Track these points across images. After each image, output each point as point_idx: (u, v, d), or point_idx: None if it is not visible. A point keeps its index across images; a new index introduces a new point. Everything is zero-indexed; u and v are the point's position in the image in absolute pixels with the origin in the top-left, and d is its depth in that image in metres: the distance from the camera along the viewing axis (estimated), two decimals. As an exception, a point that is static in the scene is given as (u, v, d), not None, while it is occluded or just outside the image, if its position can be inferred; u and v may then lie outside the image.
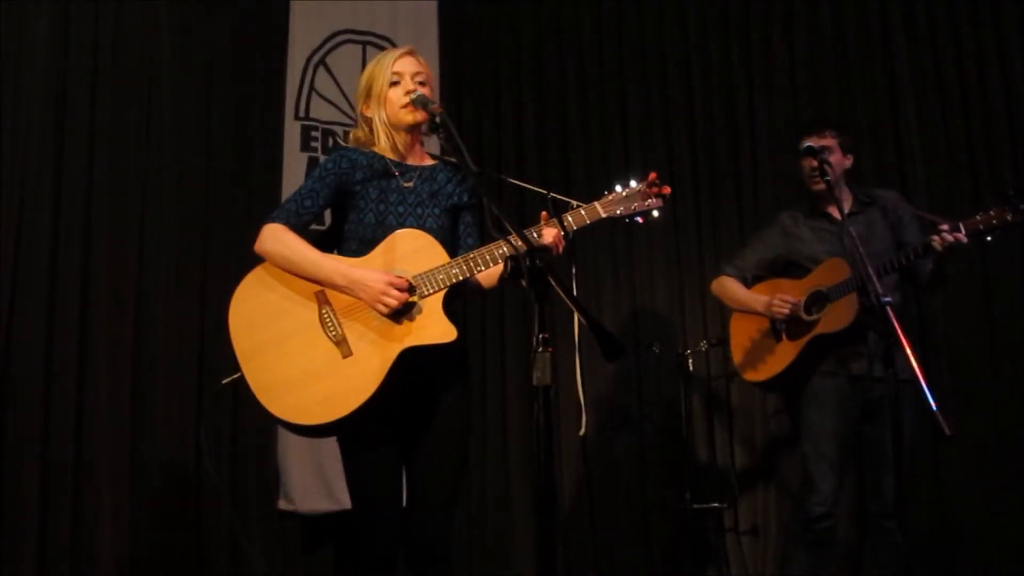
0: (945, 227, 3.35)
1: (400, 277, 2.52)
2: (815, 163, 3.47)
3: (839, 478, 3.49)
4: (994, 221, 3.32)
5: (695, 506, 4.39)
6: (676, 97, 4.99)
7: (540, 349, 2.05)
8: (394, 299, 2.47)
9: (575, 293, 2.25)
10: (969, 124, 4.79)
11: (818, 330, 3.51)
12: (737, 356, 3.76)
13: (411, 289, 2.52)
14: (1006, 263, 4.62)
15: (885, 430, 3.42)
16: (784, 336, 3.60)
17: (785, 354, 3.59)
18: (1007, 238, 4.10)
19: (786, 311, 3.54)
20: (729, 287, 3.78)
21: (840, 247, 3.54)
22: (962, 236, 3.31)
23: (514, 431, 4.67)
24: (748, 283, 3.76)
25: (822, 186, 3.49)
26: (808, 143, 3.51)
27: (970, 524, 4.41)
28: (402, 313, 2.52)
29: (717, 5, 5.05)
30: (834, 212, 3.64)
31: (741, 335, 3.75)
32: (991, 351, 4.61)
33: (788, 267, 3.71)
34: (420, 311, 2.52)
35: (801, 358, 3.54)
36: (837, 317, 3.47)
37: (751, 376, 3.71)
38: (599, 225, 4.72)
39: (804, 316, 3.54)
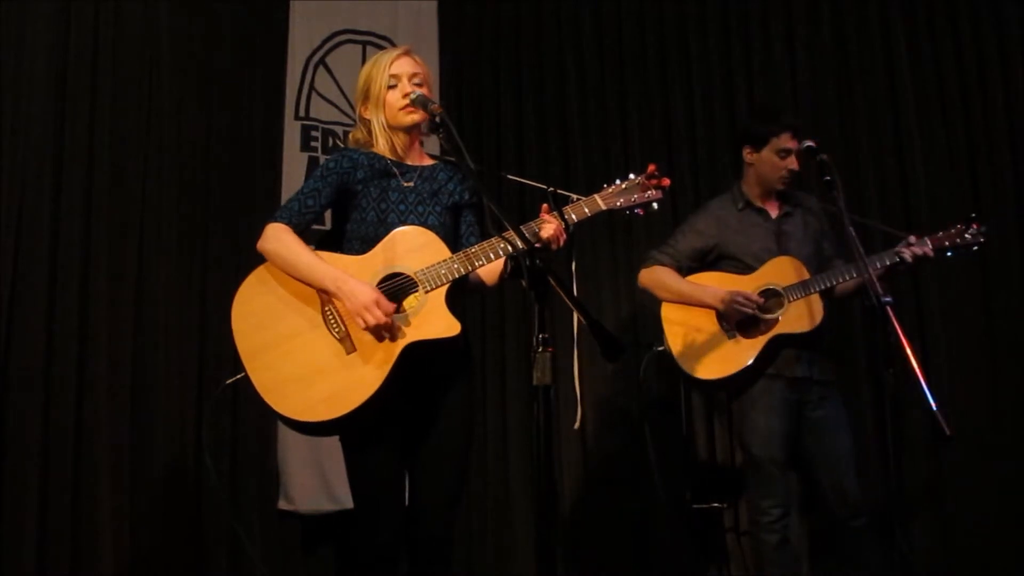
0: (913, 240, 3.42)
1: (396, 277, 2.53)
2: (796, 163, 3.52)
3: (789, 477, 3.50)
4: (957, 240, 3.45)
5: (695, 506, 4.38)
6: (676, 97, 4.99)
7: (540, 349, 2.06)
8: (373, 318, 2.45)
9: (575, 291, 2.25)
10: (969, 125, 4.78)
11: (778, 330, 3.43)
12: (679, 351, 3.51)
13: (407, 289, 2.52)
14: (1006, 263, 4.62)
15: (836, 433, 3.46)
16: (736, 334, 3.48)
17: (743, 353, 3.44)
18: (1006, 239, 4.12)
19: (750, 310, 3.42)
20: (666, 277, 3.60)
21: (775, 245, 3.54)
22: (929, 250, 3.41)
23: (514, 431, 4.67)
24: (683, 273, 3.63)
25: (784, 186, 3.58)
26: (809, 144, 3.49)
27: (970, 525, 4.41)
28: (404, 310, 2.52)
29: (717, 5, 5.04)
30: (770, 208, 3.64)
31: (680, 328, 3.55)
32: (991, 351, 4.60)
33: (720, 260, 3.62)
34: (423, 306, 2.52)
35: (760, 358, 3.43)
36: (800, 318, 3.42)
37: (703, 374, 3.48)
38: (598, 225, 4.78)
39: (761, 315, 3.44)
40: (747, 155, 3.65)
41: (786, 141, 3.55)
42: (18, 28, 4.06)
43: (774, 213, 3.64)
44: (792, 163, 3.56)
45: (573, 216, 2.57)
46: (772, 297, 3.47)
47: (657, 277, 3.64)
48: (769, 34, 4.98)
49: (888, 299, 2.88)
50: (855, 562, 3.48)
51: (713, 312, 3.52)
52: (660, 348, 4.39)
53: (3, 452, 3.82)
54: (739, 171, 3.76)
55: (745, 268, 3.55)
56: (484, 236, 2.65)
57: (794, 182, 3.64)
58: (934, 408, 2.70)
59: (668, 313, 3.60)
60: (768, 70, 4.96)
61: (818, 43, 4.95)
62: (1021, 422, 4.48)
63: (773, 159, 3.58)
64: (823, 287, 3.43)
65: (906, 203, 4.75)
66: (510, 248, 2.50)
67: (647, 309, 4.79)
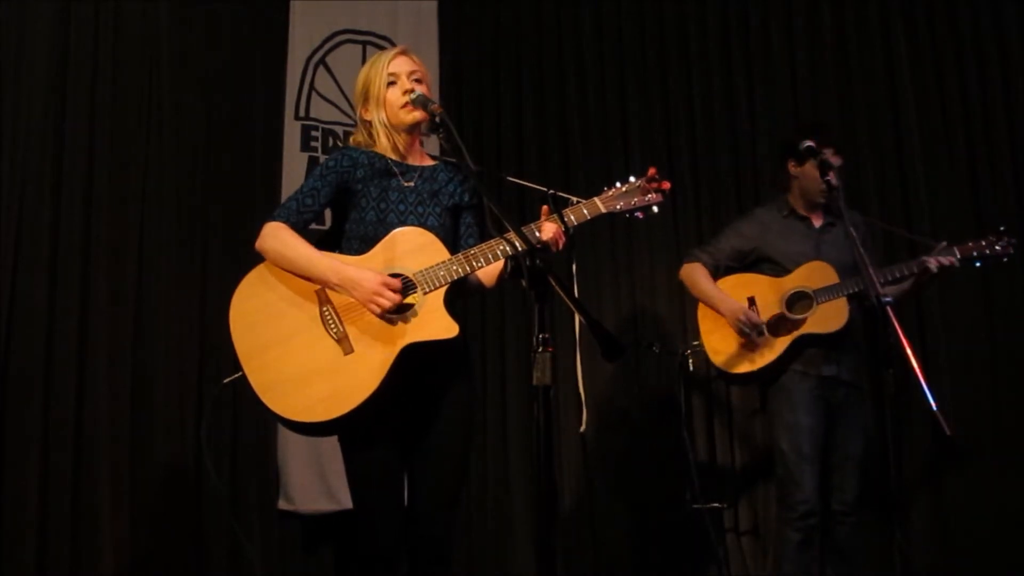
0: (942, 247, 3.56)
1: (395, 277, 2.52)
2: (836, 179, 3.56)
3: (818, 475, 3.59)
4: (986, 251, 3.58)
5: (695, 506, 4.38)
6: (676, 97, 4.99)
7: (540, 349, 2.05)
8: (387, 299, 2.47)
9: (575, 292, 2.25)
10: (969, 125, 4.78)
11: (804, 329, 3.59)
12: (710, 345, 3.75)
13: (406, 289, 2.52)
14: (1006, 263, 4.61)
15: (851, 433, 3.60)
16: (765, 331, 3.64)
17: (768, 351, 3.62)
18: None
19: (747, 332, 3.60)
20: (699, 278, 3.79)
21: (816, 251, 3.67)
22: (955, 260, 3.54)
23: (514, 431, 4.67)
24: (720, 273, 3.80)
25: (825, 200, 3.67)
26: (809, 144, 3.51)
27: (970, 524, 4.41)
28: (404, 310, 2.52)
29: (717, 6, 5.04)
30: (814, 219, 3.75)
31: (712, 324, 3.74)
32: (991, 351, 4.60)
33: (759, 262, 3.77)
34: (422, 308, 2.52)
35: (785, 355, 3.61)
36: (826, 319, 3.57)
37: (732, 368, 3.70)
38: (599, 225, 4.77)
39: (788, 315, 3.61)
40: (791, 168, 3.77)
41: (827, 156, 3.58)
42: (18, 28, 4.06)
43: (817, 223, 3.76)
44: (832, 178, 3.60)
45: (573, 219, 2.57)
46: (801, 299, 3.63)
47: (692, 275, 3.84)
48: (769, 35, 4.98)
49: (888, 299, 2.90)
50: (843, 557, 3.61)
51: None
52: (657, 348, 4.44)
53: (3, 452, 3.82)
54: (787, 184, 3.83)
55: (782, 271, 3.70)
56: (483, 237, 2.65)
57: (836, 196, 3.69)
58: (934, 408, 2.72)
59: (704, 310, 3.80)
60: (768, 71, 4.96)
61: (818, 43, 4.95)
62: (1021, 422, 4.48)
63: (814, 173, 3.63)
64: (851, 291, 3.56)
65: (906, 203, 4.75)
66: (509, 250, 2.50)
67: (647, 310, 4.81)
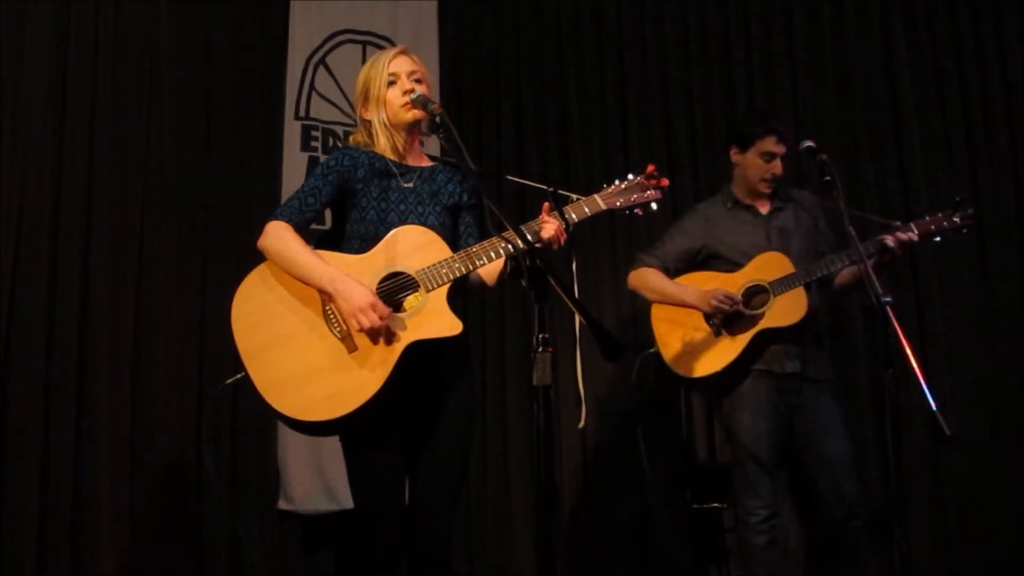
0: (898, 225, 3.42)
1: (398, 276, 2.53)
2: (780, 168, 3.54)
3: (776, 478, 3.49)
4: (944, 224, 3.43)
5: (695, 506, 4.38)
6: (676, 97, 4.99)
7: (540, 349, 2.05)
8: (368, 321, 2.45)
9: (575, 291, 2.25)
10: (969, 123, 4.78)
11: (763, 324, 3.44)
12: (667, 350, 3.55)
13: (406, 288, 2.53)
14: (1006, 263, 4.62)
15: (827, 434, 3.44)
16: (723, 331, 3.49)
17: (728, 349, 3.46)
18: (1006, 238, 4.12)
19: (727, 308, 3.43)
20: (652, 279, 3.62)
21: (766, 241, 3.55)
22: (914, 235, 3.39)
23: (514, 431, 4.67)
24: (671, 275, 3.64)
25: (767, 189, 3.58)
26: (809, 144, 3.49)
27: (970, 525, 4.41)
28: (406, 309, 2.52)
29: (717, 5, 5.04)
30: (760, 206, 3.64)
31: (668, 328, 3.58)
32: (991, 351, 4.60)
33: (709, 260, 3.63)
34: (425, 306, 2.52)
35: (746, 353, 3.46)
36: (785, 312, 3.43)
37: (691, 372, 3.50)
38: (599, 224, 4.77)
39: (745, 310, 3.46)
40: (733, 155, 3.66)
41: (770, 145, 3.56)
42: (18, 28, 4.06)
43: (764, 210, 3.65)
44: (776, 167, 3.58)
45: (573, 216, 2.57)
46: (758, 293, 3.49)
47: (644, 279, 3.67)
48: (769, 34, 4.98)
49: (888, 299, 2.88)
50: (853, 563, 3.48)
51: (701, 312, 3.53)
52: (652, 350, 4.42)
53: (3, 452, 3.82)
54: (730, 172, 3.76)
55: (734, 266, 3.57)
56: (483, 237, 2.65)
57: (777, 186, 3.66)
58: (934, 408, 2.70)
59: (657, 314, 3.63)
60: (768, 70, 4.95)
61: (818, 44, 4.95)
62: (1021, 422, 4.48)
63: (757, 161, 3.59)
64: (808, 280, 3.45)
65: (906, 203, 4.75)
66: (511, 248, 2.50)
67: (647, 309, 4.80)
